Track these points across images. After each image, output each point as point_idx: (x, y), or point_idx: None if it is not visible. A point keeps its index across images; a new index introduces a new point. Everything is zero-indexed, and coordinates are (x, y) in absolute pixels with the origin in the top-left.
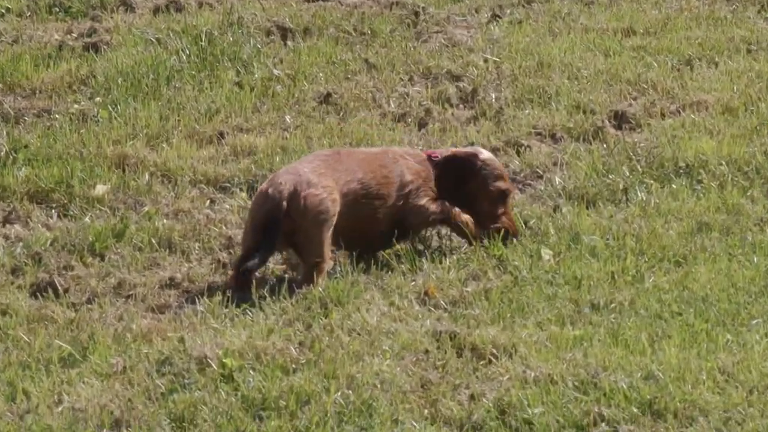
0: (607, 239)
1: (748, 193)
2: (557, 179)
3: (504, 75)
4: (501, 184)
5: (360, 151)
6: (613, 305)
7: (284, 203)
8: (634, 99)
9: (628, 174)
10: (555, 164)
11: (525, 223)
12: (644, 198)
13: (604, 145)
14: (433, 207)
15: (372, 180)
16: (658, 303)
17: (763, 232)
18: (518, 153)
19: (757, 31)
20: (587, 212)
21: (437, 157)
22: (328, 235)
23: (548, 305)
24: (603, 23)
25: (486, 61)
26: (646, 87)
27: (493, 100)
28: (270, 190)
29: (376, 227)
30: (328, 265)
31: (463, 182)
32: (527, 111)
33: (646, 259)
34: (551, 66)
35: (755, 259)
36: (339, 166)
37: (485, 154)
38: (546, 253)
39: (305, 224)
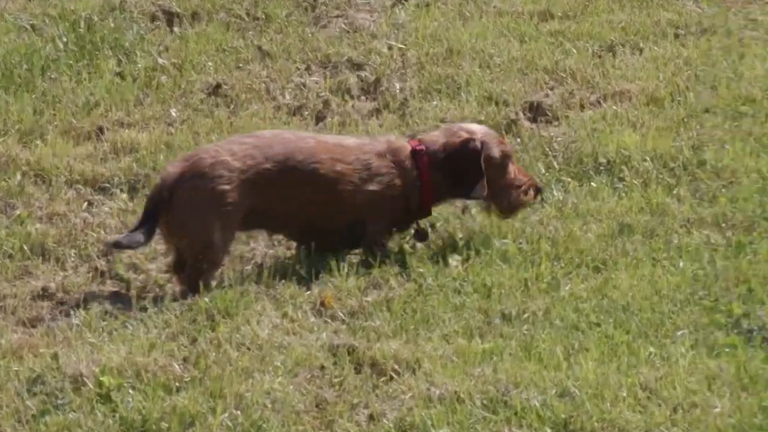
0: (520, 243)
1: (674, 192)
2: None
3: (410, 63)
4: (505, 149)
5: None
6: (525, 315)
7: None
8: (551, 89)
9: (543, 171)
10: None
11: (431, 226)
12: (561, 197)
13: (518, 140)
14: None
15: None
16: (575, 313)
17: (690, 235)
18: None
19: (686, 13)
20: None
21: (422, 149)
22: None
23: (455, 316)
24: (518, 6)
25: (390, 48)
26: (564, 76)
27: (398, 91)
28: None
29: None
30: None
31: (478, 174)
32: (435, 102)
33: (563, 265)
34: (461, 53)
35: (681, 264)
36: None
37: (478, 132)
38: (453, 259)
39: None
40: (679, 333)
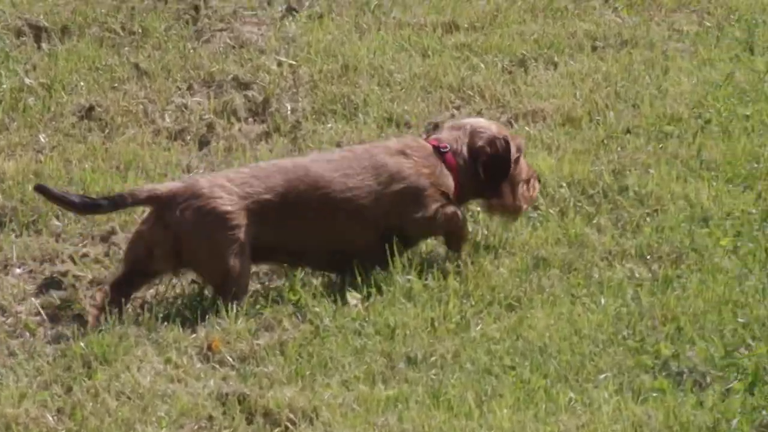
0: (426, 279)
1: (594, 222)
2: None
3: (301, 81)
4: (520, 144)
5: None
6: (433, 359)
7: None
8: (457, 108)
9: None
10: None
11: None
12: (470, 229)
13: None
14: None
15: None
16: (487, 355)
17: (612, 269)
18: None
19: (604, 24)
20: (401, 247)
21: (446, 147)
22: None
23: (356, 360)
24: (420, 17)
25: (280, 64)
26: (471, 94)
27: (289, 112)
28: None
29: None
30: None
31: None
32: (329, 125)
33: (473, 303)
34: (358, 70)
35: (602, 301)
36: None
37: (495, 128)
38: (353, 298)
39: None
40: (601, 376)
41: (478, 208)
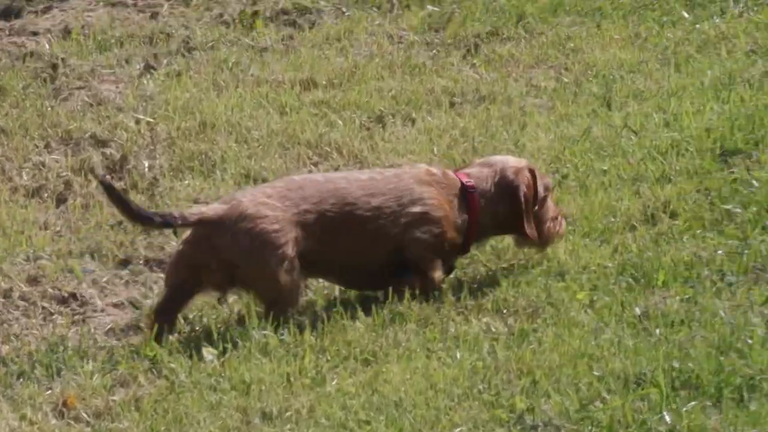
0: (282, 334)
1: (451, 276)
2: None
3: (159, 138)
4: (548, 183)
5: None
6: (288, 414)
7: None
8: (315, 165)
9: None
10: None
11: (184, 318)
12: (326, 284)
13: None
14: None
15: None
16: (343, 410)
17: (468, 323)
18: (175, 233)
19: (462, 80)
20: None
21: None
22: None
23: (211, 416)
24: (278, 74)
25: (138, 122)
26: (329, 150)
27: (146, 169)
28: None
29: None
30: None
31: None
32: (186, 182)
33: (329, 358)
34: (215, 127)
35: (458, 355)
36: None
37: (522, 165)
38: (208, 353)
39: None
40: (456, 430)
41: None
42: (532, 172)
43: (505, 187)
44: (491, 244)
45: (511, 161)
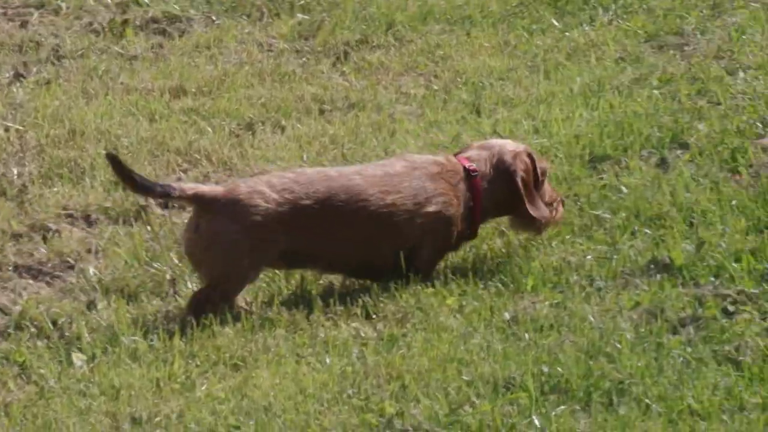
0: (152, 340)
1: (321, 282)
2: (92, 270)
3: (28, 146)
4: (545, 166)
5: None
6: (158, 419)
7: None
8: (184, 172)
9: (176, 262)
10: (89, 251)
11: (53, 324)
12: (189, 288)
13: (149, 228)
14: None
15: None
16: (212, 415)
17: (338, 328)
18: (44, 239)
19: (332, 87)
20: (128, 308)
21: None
22: None
23: (80, 421)
24: (148, 82)
25: (7, 130)
26: (198, 157)
27: (15, 177)
28: None
29: None
30: None
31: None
32: (56, 189)
33: (198, 363)
34: (85, 134)
35: (328, 360)
36: None
37: (523, 149)
38: (78, 359)
39: None
40: None
41: None
42: (530, 156)
43: (503, 170)
44: None
45: (509, 145)
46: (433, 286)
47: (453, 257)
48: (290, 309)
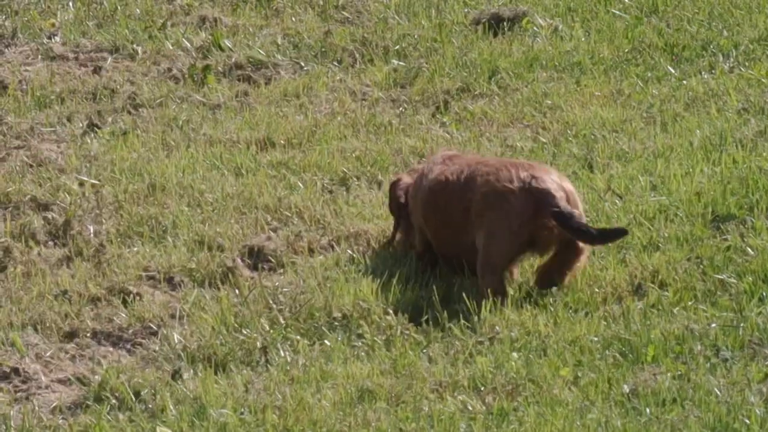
0: (242, 413)
1: (424, 351)
2: (176, 336)
3: (105, 202)
4: None
5: None
6: None
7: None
8: (274, 231)
9: (267, 328)
10: (173, 316)
11: (136, 395)
12: (289, 359)
13: (236, 291)
14: None
15: None
16: None
17: (443, 401)
18: (124, 303)
19: (431, 140)
20: (216, 378)
21: None
22: None
23: None
24: (232, 133)
25: (82, 184)
26: (289, 215)
27: (92, 235)
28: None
29: None
30: None
31: None
32: (136, 248)
33: None
34: (166, 189)
35: None
36: None
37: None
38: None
39: None
40: None
41: None
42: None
43: None
44: (465, 316)
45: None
46: (546, 355)
47: (564, 324)
48: (390, 380)
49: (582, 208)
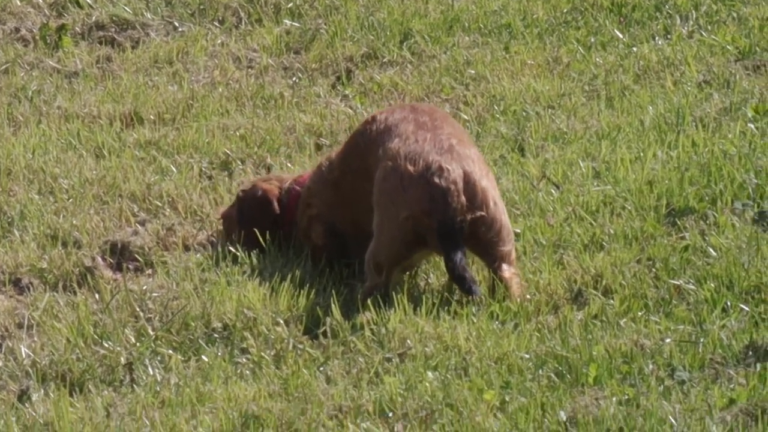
0: None
1: (322, 369)
2: (24, 349)
3: None
4: None
5: None
6: None
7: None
8: (142, 224)
9: (133, 341)
10: (20, 326)
11: None
12: (159, 377)
13: (96, 296)
14: None
15: None
16: None
17: (344, 428)
18: None
19: (331, 116)
20: (71, 400)
21: None
22: None
23: None
24: (92, 107)
25: None
26: (159, 205)
27: None
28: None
29: None
30: None
31: None
32: None
33: None
34: (12, 173)
35: None
36: None
37: None
38: None
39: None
40: None
41: None
42: None
43: None
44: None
45: None
46: (467, 375)
47: (490, 338)
48: (280, 404)
49: (502, 205)
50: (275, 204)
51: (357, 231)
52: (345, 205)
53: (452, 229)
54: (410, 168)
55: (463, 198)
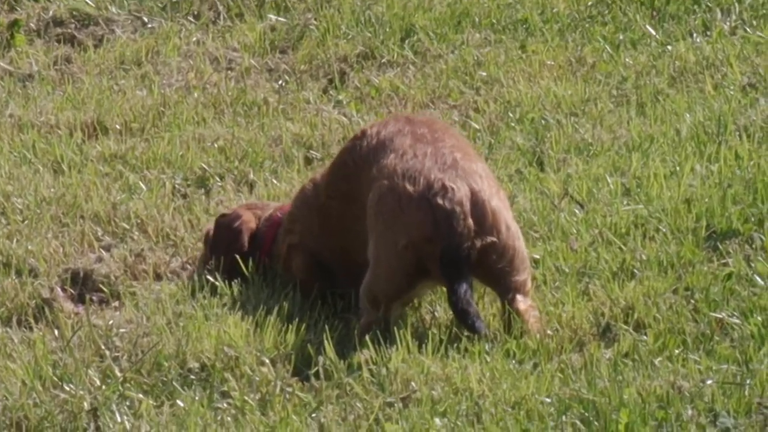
0: None
1: (314, 416)
2: None
3: None
4: None
5: None
6: None
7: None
8: (107, 249)
9: (98, 383)
10: None
11: None
12: (128, 425)
13: (56, 332)
14: None
15: None
16: None
17: None
18: None
19: (323, 125)
20: None
21: None
22: None
23: None
24: (50, 114)
25: None
26: (127, 227)
27: None
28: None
29: None
30: None
31: None
32: None
33: None
34: None
35: None
36: None
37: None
38: None
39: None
40: None
41: None
42: None
43: None
44: (350, 367)
45: None
46: (480, 421)
47: (505, 380)
48: None
49: (516, 229)
50: (245, 238)
51: (348, 262)
52: (333, 234)
53: (457, 256)
54: (409, 188)
55: (470, 221)
